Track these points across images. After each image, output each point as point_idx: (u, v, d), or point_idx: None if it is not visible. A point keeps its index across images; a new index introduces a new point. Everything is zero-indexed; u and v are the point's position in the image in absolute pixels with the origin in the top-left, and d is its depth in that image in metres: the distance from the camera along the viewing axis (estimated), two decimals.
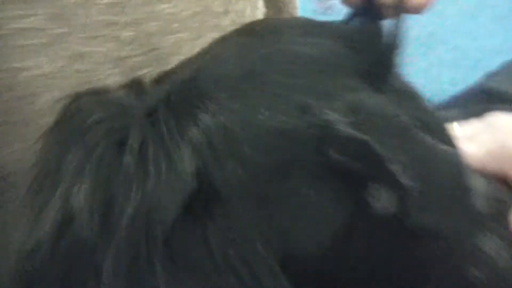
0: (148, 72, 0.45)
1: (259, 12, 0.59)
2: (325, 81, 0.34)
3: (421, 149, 0.34)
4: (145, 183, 0.27)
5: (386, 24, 0.37)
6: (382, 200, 0.32)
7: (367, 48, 0.36)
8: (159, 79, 0.35)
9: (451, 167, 0.36)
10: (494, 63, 0.76)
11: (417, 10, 0.53)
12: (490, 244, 0.38)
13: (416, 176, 0.32)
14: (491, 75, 0.73)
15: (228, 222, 0.29)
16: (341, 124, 0.30)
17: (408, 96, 0.38)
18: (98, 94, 0.33)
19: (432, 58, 1.94)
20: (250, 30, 0.39)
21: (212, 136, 0.29)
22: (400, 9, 0.42)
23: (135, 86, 0.34)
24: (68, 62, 0.44)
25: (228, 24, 0.52)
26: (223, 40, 0.37)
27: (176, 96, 0.31)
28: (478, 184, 0.39)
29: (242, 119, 0.30)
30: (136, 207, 0.27)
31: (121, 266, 0.27)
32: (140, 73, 0.46)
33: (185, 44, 0.49)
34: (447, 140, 0.39)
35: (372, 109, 0.32)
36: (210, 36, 0.44)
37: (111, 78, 0.45)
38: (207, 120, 0.30)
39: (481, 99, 0.68)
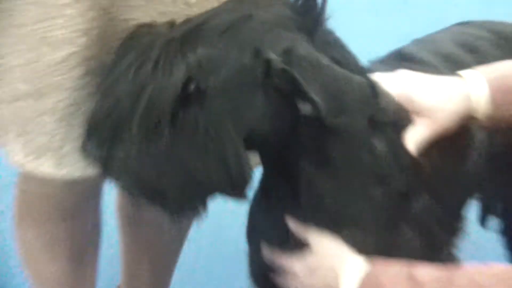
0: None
1: None
2: (273, 34, 0.64)
3: (332, 78, 0.65)
4: (156, 80, 0.60)
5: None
6: (305, 109, 0.62)
7: (305, 13, 0.67)
8: (186, 21, 0.66)
9: (361, 90, 0.67)
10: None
11: None
12: (380, 143, 0.73)
13: (326, 95, 0.62)
14: (411, 43, 1.00)
15: (209, 109, 0.62)
16: (278, 62, 0.61)
17: (332, 44, 0.69)
18: (149, 27, 0.68)
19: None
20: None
21: (201, 61, 0.61)
22: None
23: (170, 24, 0.67)
24: None
25: None
26: (225, 3, 0.69)
27: (188, 34, 0.63)
28: (385, 102, 0.71)
29: (221, 55, 0.62)
30: (151, 93, 0.61)
31: (143, 125, 0.62)
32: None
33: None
34: (361, 73, 0.69)
35: (299, 53, 0.63)
36: None
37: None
38: (201, 51, 0.62)
39: (398, 60, 0.94)
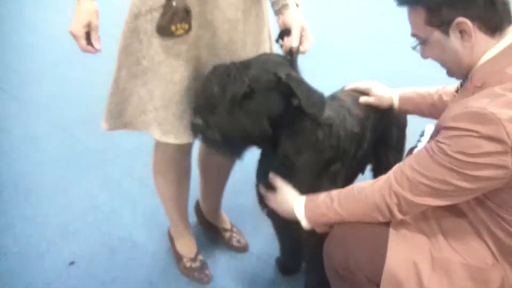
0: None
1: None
2: (281, 66, 1.37)
3: (308, 89, 1.37)
4: (232, 84, 1.33)
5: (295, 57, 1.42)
6: (295, 102, 1.37)
7: (288, 61, 1.42)
8: (242, 61, 1.39)
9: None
10: None
11: (303, 53, 1.44)
12: (321, 133, 1.47)
13: (305, 96, 1.35)
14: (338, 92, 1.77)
15: (255, 100, 1.35)
16: (284, 78, 1.34)
17: (298, 74, 1.42)
18: (222, 64, 1.39)
19: None
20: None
21: (252, 77, 1.34)
22: (297, 52, 1.42)
23: (233, 63, 1.39)
24: None
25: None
26: (259, 55, 1.46)
27: (244, 64, 1.37)
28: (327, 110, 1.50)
29: (260, 75, 1.35)
30: (230, 90, 1.33)
31: (227, 106, 1.33)
32: None
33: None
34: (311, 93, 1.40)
35: (293, 75, 1.35)
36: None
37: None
38: (251, 72, 1.35)
39: (331, 99, 1.68)
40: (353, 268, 1.33)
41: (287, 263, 1.97)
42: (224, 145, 1.38)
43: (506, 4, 1.18)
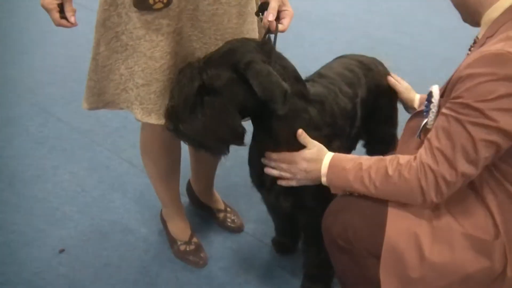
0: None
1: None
2: (243, 55, 1.29)
3: (270, 79, 1.28)
4: (187, 85, 1.31)
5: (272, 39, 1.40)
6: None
7: (266, 45, 1.37)
8: (205, 56, 1.36)
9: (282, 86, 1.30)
10: None
11: (282, 31, 1.40)
12: (314, 110, 1.44)
13: (261, 87, 1.27)
14: (323, 68, 1.70)
15: (218, 96, 1.30)
16: (242, 70, 1.28)
17: (281, 58, 1.38)
18: (190, 63, 1.35)
19: None
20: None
21: (210, 77, 1.30)
22: (276, 30, 1.39)
23: (198, 60, 1.35)
24: None
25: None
26: (223, 44, 1.37)
27: (204, 62, 1.32)
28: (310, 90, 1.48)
29: (219, 73, 1.29)
30: (185, 90, 1.31)
31: (186, 107, 1.30)
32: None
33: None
34: (296, 77, 1.40)
35: (252, 63, 1.27)
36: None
37: None
38: (209, 72, 1.30)
39: (318, 76, 1.62)
40: (352, 239, 1.29)
41: (283, 243, 1.94)
42: (200, 147, 1.37)
43: None
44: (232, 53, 1.30)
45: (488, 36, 1.17)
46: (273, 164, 1.44)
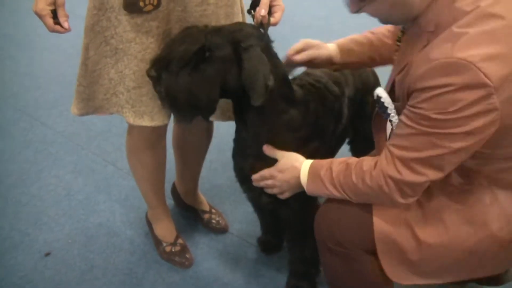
0: None
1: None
2: (247, 37, 1.31)
3: (263, 67, 1.30)
4: (189, 45, 1.29)
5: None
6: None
7: (261, 34, 1.37)
8: (213, 26, 1.36)
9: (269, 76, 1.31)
10: None
11: (274, 25, 1.44)
12: (294, 112, 1.43)
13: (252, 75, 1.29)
14: None
15: (211, 65, 1.30)
16: (243, 51, 1.29)
17: (273, 57, 1.37)
18: (195, 26, 1.35)
19: None
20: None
21: (214, 43, 1.29)
22: (268, 23, 1.42)
23: (205, 26, 1.35)
24: None
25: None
26: (232, 24, 1.40)
27: (212, 31, 1.32)
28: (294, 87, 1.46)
29: (223, 43, 1.30)
30: (184, 49, 1.28)
31: (179, 64, 1.27)
32: None
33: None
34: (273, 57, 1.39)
35: (252, 48, 1.29)
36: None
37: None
38: (215, 39, 1.30)
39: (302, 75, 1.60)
40: (341, 239, 1.28)
41: (268, 241, 1.96)
42: (170, 104, 1.33)
43: None
44: (239, 32, 1.32)
45: (429, 31, 1.10)
46: (261, 184, 1.44)
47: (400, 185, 1.15)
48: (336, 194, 1.28)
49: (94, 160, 2.49)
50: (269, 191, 1.44)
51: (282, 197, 1.43)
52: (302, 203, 1.44)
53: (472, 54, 0.98)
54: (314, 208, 1.45)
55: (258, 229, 1.97)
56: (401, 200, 1.17)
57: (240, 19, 1.53)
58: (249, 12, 1.47)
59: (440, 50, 1.03)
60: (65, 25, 1.29)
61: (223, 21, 1.45)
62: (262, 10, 1.39)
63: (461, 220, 1.18)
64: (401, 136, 1.14)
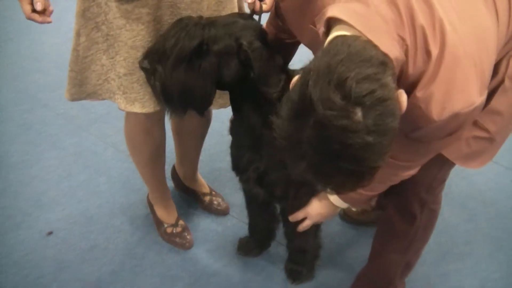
0: None
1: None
2: (245, 31, 1.29)
3: (263, 61, 1.30)
4: (185, 39, 1.27)
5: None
6: (252, 74, 1.31)
7: (256, 25, 1.35)
8: (208, 18, 1.32)
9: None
10: None
11: (267, 11, 1.42)
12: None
13: (260, 69, 1.29)
14: None
15: (209, 61, 1.29)
16: (245, 46, 1.28)
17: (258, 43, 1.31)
18: (189, 17, 1.32)
19: None
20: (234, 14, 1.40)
21: (212, 36, 1.28)
22: (260, 10, 1.41)
23: (200, 17, 1.32)
24: None
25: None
26: (228, 15, 1.38)
27: (208, 23, 1.30)
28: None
29: (221, 36, 1.28)
30: (181, 44, 1.27)
31: (175, 59, 1.26)
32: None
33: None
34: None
35: (255, 43, 1.29)
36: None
37: None
38: (212, 32, 1.28)
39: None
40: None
41: (249, 244, 1.92)
42: (165, 99, 1.33)
43: None
44: (236, 24, 1.31)
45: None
46: (299, 228, 1.54)
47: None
48: (368, 193, 1.34)
49: (95, 143, 2.51)
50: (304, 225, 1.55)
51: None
52: (293, 194, 1.45)
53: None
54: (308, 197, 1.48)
55: None
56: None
57: (234, 6, 1.51)
58: None
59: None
60: (38, 6, 1.23)
61: (214, 8, 1.44)
62: None
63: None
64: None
